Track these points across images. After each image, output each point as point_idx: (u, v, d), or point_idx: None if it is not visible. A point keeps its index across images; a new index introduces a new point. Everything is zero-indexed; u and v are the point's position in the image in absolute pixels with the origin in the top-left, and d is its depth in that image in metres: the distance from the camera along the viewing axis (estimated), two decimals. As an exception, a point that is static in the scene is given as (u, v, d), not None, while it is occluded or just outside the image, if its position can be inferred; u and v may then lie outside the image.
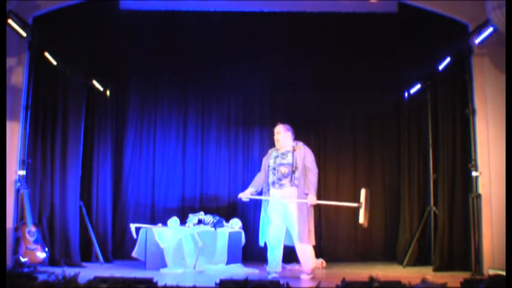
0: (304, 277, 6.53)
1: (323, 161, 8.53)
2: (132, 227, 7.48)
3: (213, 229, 7.31)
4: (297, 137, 8.51)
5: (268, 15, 8.07)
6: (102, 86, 7.99)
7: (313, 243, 6.63)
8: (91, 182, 7.92)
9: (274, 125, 6.97)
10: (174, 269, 6.92)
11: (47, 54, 7.05)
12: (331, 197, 8.44)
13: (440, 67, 7.45)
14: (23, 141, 6.85)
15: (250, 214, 8.35)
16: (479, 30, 6.74)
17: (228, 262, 7.18)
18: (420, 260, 7.64)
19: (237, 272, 6.78)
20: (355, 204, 6.56)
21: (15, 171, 6.74)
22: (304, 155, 6.58)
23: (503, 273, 5.77)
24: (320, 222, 8.42)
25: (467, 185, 7.11)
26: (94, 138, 8.00)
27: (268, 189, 6.62)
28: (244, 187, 8.48)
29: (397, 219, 8.30)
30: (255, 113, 8.61)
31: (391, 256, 8.18)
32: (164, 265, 6.96)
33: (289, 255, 7.99)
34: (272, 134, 6.97)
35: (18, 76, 6.92)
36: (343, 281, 4.70)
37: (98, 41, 7.89)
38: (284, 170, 6.52)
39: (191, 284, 4.74)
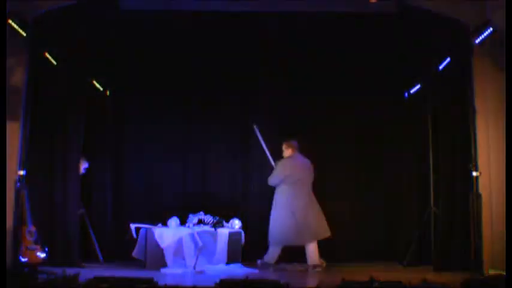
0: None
1: (323, 162, 8.54)
2: (132, 227, 7.48)
3: (213, 229, 7.31)
4: (299, 138, 8.63)
5: (267, 16, 8.06)
6: (102, 86, 7.99)
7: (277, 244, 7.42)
8: (91, 182, 7.92)
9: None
10: (174, 269, 6.91)
11: (47, 54, 7.04)
12: (330, 197, 8.47)
13: (440, 67, 7.44)
14: (23, 141, 6.84)
15: (250, 214, 8.35)
16: (479, 30, 6.73)
17: (228, 262, 7.18)
18: (420, 260, 7.63)
19: (237, 272, 6.78)
20: None
21: (15, 171, 6.73)
22: None
23: (503, 273, 5.77)
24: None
25: (467, 185, 7.10)
26: (94, 138, 8.00)
27: None
28: (244, 187, 8.52)
29: (397, 219, 8.31)
30: (255, 113, 8.61)
31: (391, 256, 8.18)
32: (164, 265, 6.96)
33: (290, 254, 8.03)
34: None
35: (18, 76, 6.91)
36: (343, 281, 4.70)
37: (98, 41, 7.88)
38: None
39: (191, 284, 4.75)
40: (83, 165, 7.76)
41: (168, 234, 7.13)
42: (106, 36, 7.97)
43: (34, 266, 6.36)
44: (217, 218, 7.52)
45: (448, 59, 7.28)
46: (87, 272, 5.75)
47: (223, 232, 7.32)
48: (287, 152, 7.68)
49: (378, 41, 8.21)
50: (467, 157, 7.13)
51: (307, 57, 8.50)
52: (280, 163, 7.63)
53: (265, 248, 8.26)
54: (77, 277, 4.53)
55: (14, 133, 6.78)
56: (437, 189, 7.56)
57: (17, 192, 6.69)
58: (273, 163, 7.72)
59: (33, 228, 6.55)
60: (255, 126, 7.80)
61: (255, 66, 8.54)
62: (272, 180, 7.57)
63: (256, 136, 7.78)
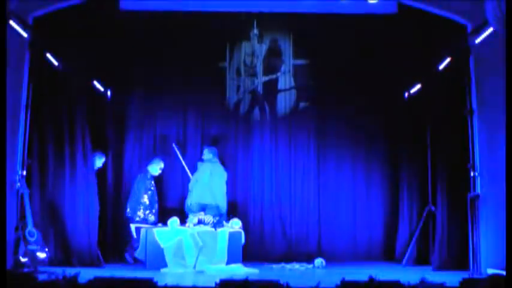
0: None
1: (322, 161, 8.56)
2: (132, 227, 7.49)
3: (213, 229, 7.31)
4: (297, 137, 8.60)
5: (267, 16, 8.09)
6: (102, 86, 7.99)
7: None
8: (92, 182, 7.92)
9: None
10: (174, 269, 6.92)
11: (47, 54, 7.05)
12: (329, 196, 8.49)
13: (440, 67, 7.44)
14: (23, 141, 6.84)
15: (250, 214, 8.36)
16: (478, 30, 6.73)
17: (228, 262, 7.18)
18: (419, 260, 7.65)
19: (237, 272, 6.78)
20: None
21: (15, 171, 6.73)
22: None
23: (503, 273, 5.77)
24: (320, 223, 8.44)
25: (466, 185, 7.10)
26: (94, 138, 7.99)
27: None
28: (243, 186, 8.53)
29: (396, 219, 8.32)
30: (255, 112, 8.63)
31: (390, 256, 8.20)
32: (164, 265, 6.96)
33: (289, 254, 8.04)
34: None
35: (18, 76, 6.91)
36: (343, 281, 4.70)
37: (98, 41, 7.88)
38: None
39: (191, 284, 4.75)
40: (101, 160, 7.80)
41: (168, 234, 7.13)
42: (106, 37, 7.97)
43: (34, 266, 6.38)
44: (218, 218, 7.52)
45: (448, 59, 7.28)
46: (87, 272, 5.74)
47: (223, 232, 7.32)
48: (208, 156, 7.97)
49: (378, 41, 8.22)
50: (466, 157, 7.14)
51: (307, 57, 8.52)
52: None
53: (265, 248, 8.31)
54: (76, 277, 4.54)
55: (14, 133, 6.78)
56: (436, 189, 7.57)
57: (17, 192, 6.69)
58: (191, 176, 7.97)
59: (33, 229, 6.55)
60: (174, 145, 8.19)
61: (255, 66, 8.56)
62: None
63: (176, 154, 8.14)
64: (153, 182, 7.83)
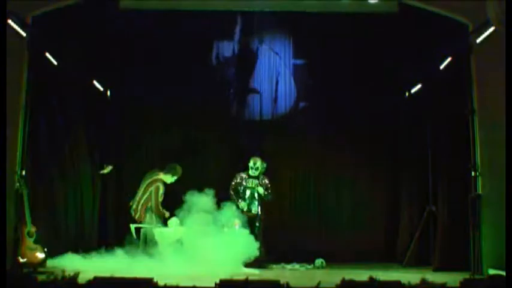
0: None
1: (323, 160, 8.55)
2: (132, 227, 7.47)
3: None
4: (297, 137, 8.59)
5: (267, 15, 8.08)
6: (102, 86, 7.99)
7: None
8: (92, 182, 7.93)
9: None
10: (174, 268, 6.89)
11: (47, 54, 7.04)
12: (329, 197, 8.48)
13: (441, 67, 7.43)
14: (23, 141, 6.83)
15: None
16: (479, 29, 6.73)
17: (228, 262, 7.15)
18: (420, 260, 7.64)
19: (237, 272, 6.76)
20: None
21: (15, 171, 6.72)
22: None
23: (503, 273, 5.76)
24: (320, 223, 8.43)
25: (467, 185, 7.09)
26: (95, 139, 8.01)
27: None
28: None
29: (397, 219, 8.31)
30: (254, 112, 8.63)
31: (391, 256, 8.18)
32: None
33: (289, 255, 8.03)
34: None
35: (18, 76, 6.90)
36: (343, 281, 4.70)
37: (98, 41, 7.89)
38: None
39: (191, 284, 4.74)
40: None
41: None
42: (106, 36, 7.96)
43: (34, 266, 6.37)
44: (217, 218, 7.50)
45: (449, 59, 7.27)
46: (87, 272, 5.73)
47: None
48: None
49: (378, 41, 8.21)
50: (467, 157, 7.13)
51: (307, 57, 8.52)
52: None
53: (265, 248, 8.29)
54: (76, 277, 4.54)
55: (14, 133, 6.78)
56: (437, 189, 7.56)
57: (17, 192, 6.68)
58: None
59: (32, 229, 6.54)
60: None
61: (255, 64, 8.57)
62: None
63: None
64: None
